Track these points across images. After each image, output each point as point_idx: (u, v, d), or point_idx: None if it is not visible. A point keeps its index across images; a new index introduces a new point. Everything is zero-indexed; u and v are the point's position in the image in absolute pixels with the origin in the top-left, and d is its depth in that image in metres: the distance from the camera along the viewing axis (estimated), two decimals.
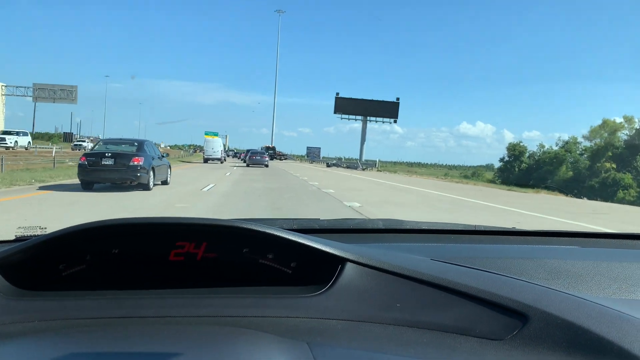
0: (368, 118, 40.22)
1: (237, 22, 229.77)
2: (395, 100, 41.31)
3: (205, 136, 33.77)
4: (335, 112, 39.97)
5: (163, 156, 8.96)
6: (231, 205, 6.32)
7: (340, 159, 35.29)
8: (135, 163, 7.22)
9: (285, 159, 52.64)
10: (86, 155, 7.56)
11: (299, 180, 12.93)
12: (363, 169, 27.72)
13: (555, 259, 0.73)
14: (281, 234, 0.55)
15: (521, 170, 38.78)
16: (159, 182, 8.29)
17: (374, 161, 31.31)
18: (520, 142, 42.04)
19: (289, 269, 0.59)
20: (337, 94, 40.81)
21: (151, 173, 7.52)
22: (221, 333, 0.47)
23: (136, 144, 7.88)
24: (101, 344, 0.44)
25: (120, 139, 8.49)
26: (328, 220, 1.07)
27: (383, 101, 40.47)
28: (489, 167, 46.94)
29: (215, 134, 36.69)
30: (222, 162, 29.26)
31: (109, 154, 7.29)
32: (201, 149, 31.90)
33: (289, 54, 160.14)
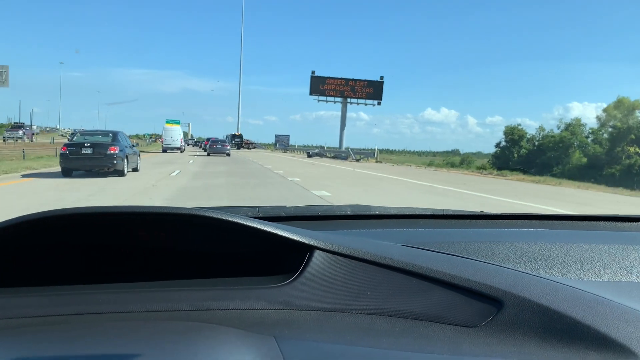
0: (348, 100, 42.51)
1: (199, 6, 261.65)
2: (379, 80, 42.78)
3: (166, 125, 37.02)
4: (311, 94, 41.83)
5: (134, 145, 12.00)
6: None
7: (322, 147, 35.12)
8: (112, 152, 10.21)
9: (254, 147, 55.75)
10: (67, 145, 10.49)
11: (279, 179, 11.19)
12: (357, 160, 25.99)
13: (526, 242, 0.84)
14: (245, 222, 0.61)
15: (521, 157, 40.45)
16: (131, 169, 11.29)
17: (370, 150, 28.65)
18: (519, 124, 43.70)
19: (255, 259, 0.67)
20: (313, 72, 42.48)
21: (125, 161, 10.54)
22: (180, 328, 0.50)
23: (111, 134, 10.88)
24: (45, 345, 0.45)
25: (96, 131, 11.56)
26: (295, 208, 1.21)
27: (365, 80, 42.68)
28: (454, 153, 52.00)
29: (177, 122, 40.08)
30: (182, 152, 32.63)
31: (88, 144, 10.25)
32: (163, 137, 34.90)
33: (253, 39, 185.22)
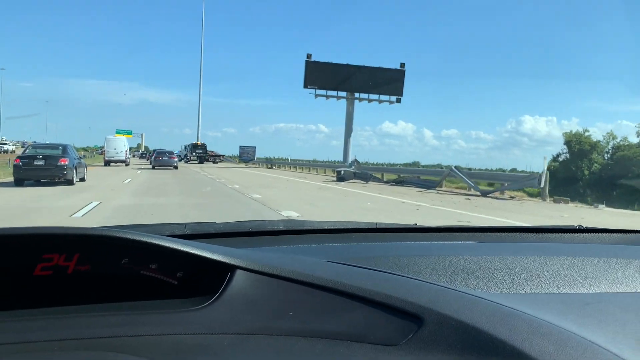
0: (357, 95, 44.58)
1: (157, 16, 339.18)
2: (399, 68, 44.85)
3: (108, 135, 44.85)
4: (306, 86, 43.55)
5: (81, 158, 18.84)
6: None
7: (357, 161, 32.02)
8: (62, 163, 16.96)
9: (221, 160, 62.80)
10: (20, 157, 17.27)
11: None
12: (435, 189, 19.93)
13: (453, 255, 1.21)
14: (159, 242, 0.81)
15: (593, 174, 42.04)
16: (78, 179, 17.90)
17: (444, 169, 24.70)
18: (587, 130, 45.54)
19: (175, 280, 0.87)
20: (309, 56, 44.34)
21: (74, 171, 17.20)
22: (83, 359, 0.64)
23: (60, 147, 17.85)
24: None
25: (47, 144, 18.73)
26: (225, 224, 1.60)
27: (380, 68, 45.09)
28: (415, 165, 58.08)
29: (129, 133, 49.26)
30: (126, 165, 40.81)
31: (40, 156, 16.99)
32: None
33: (212, 49, 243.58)
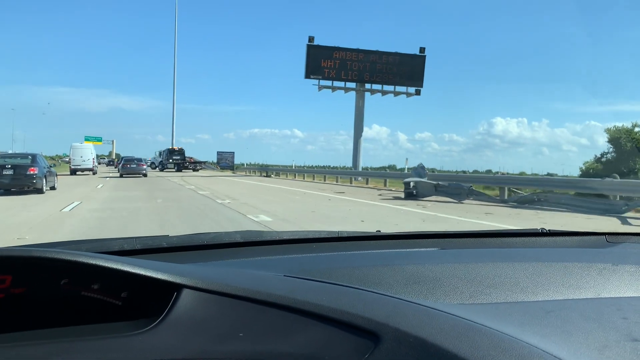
0: (368, 86, 45.42)
1: (128, 20, 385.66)
2: (418, 54, 45.90)
3: (74, 143, 48.93)
4: (308, 76, 43.78)
5: (51, 166, 22.58)
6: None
7: (422, 166, 22.62)
8: (32, 172, 20.54)
9: (202, 168, 65.00)
10: None
11: None
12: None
13: (415, 264, 1.35)
14: (98, 262, 0.89)
15: None
16: (49, 188, 21.40)
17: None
18: (637, 125, 44.50)
19: (119, 301, 0.95)
20: (311, 39, 44.34)
21: (44, 180, 20.72)
22: None
23: (30, 156, 21.52)
24: None
25: (16, 153, 22.46)
26: (178, 237, 1.75)
27: (397, 54, 45.93)
28: (391, 168, 62.16)
29: (99, 139, 54.17)
30: (94, 173, 45.07)
31: (9, 166, 20.56)
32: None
33: (185, 53, 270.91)
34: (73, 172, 45.48)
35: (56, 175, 23.97)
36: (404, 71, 45.75)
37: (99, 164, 62.58)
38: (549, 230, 2.06)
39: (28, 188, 20.51)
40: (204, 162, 69.48)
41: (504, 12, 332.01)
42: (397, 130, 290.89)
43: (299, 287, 1.04)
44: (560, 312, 1.06)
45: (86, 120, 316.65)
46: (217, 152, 78.11)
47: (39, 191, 20.75)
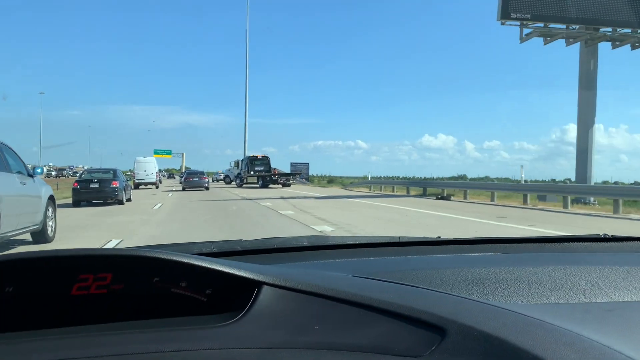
0: (604, 32, 26.74)
1: (198, 39, 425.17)
2: None
3: (138, 157, 51.93)
4: (506, 15, 26.38)
5: (127, 180, 26.57)
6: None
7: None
8: (114, 186, 24.25)
9: (294, 181, 51.73)
10: (78, 181, 24.62)
11: None
12: None
13: (476, 267, 1.41)
14: (189, 261, 1.02)
15: None
16: (126, 199, 25.19)
17: None
18: None
19: (204, 297, 1.06)
20: None
21: (124, 192, 24.42)
22: None
23: (111, 171, 25.41)
24: None
25: (99, 169, 26.24)
26: (251, 241, 1.97)
27: None
28: (462, 178, 62.42)
29: (168, 153, 56.28)
30: (157, 187, 46.99)
31: (95, 180, 24.27)
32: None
33: (257, 72, 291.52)
34: (136, 186, 46.48)
35: (132, 188, 27.23)
36: None
37: (164, 177, 63.91)
38: (611, 235, 2.10)
39: (111, 200, 23.96)
40: (298, 174, 57.66)
41: None
42: (464, 139, 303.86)
43: (367, 285, 1.13)
44: (622, 312, 1.10)
45: (158, 137, 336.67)
46: (291, 163, 69.17)
47: (120, 202, 24.08)
